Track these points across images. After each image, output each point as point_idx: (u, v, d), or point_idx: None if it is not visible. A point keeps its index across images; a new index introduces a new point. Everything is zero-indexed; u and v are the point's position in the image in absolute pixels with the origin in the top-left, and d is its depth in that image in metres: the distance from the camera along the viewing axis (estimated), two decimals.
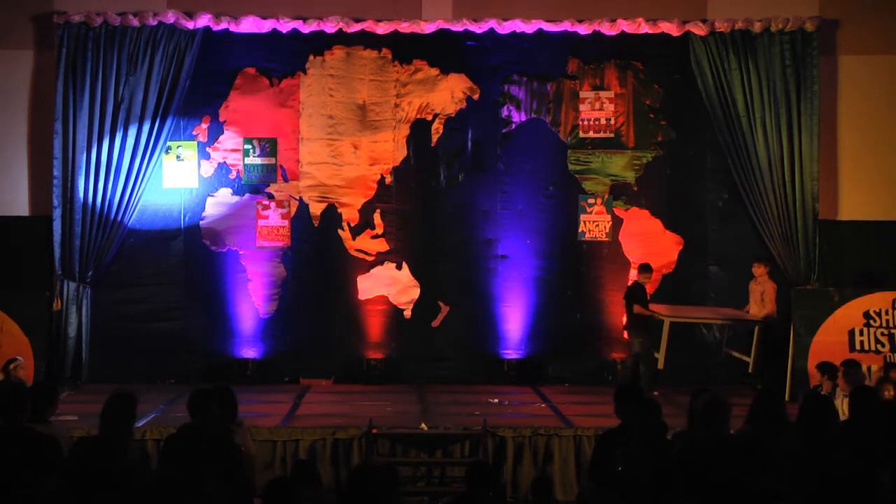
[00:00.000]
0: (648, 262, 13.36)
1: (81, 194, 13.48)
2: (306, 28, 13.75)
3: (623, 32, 13.81)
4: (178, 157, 14.05)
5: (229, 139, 14.13)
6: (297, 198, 14.21)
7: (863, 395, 7.13)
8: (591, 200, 14.29)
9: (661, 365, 12.99)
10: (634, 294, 12.98)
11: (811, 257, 13.68)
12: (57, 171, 13.45)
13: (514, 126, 14.27)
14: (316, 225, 14.24)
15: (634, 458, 6.27)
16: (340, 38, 13.97)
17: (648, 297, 13.10)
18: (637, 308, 12.82)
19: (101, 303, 13.76)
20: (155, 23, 13.48)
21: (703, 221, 14.31)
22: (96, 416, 6.74)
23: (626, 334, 13.45)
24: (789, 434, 6.61)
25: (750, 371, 12.98)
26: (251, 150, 14.15)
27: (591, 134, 14.28)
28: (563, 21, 13.79)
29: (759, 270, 13.25)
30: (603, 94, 14.25)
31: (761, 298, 13.18)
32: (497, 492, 6.44)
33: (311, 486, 6.42)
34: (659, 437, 6.76)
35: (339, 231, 14.26)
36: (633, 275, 14.23)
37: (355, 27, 13.76)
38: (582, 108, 14.25)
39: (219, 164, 14.14)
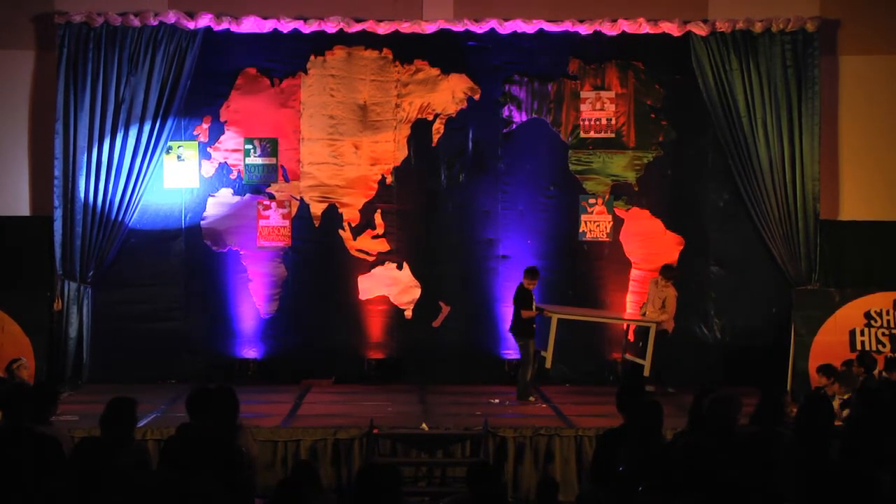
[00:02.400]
0: (536, 266, 13.02)
1: (82, 194, 13.49)
2: (307, 28, 13.75)
3: (624, 32, 13.81)
4: (178, 157, 14.05)
5: (230, 139, 14.13)
6: (298, 198, 14.21)
7: (868, 395, 7.14)
8: (591, 200, 14.29)
9: (548, 364, 12.89)
10: (520, 298, 12.65)
11: (812, 257, 13.67)
12: (58, 172, 13.45)
13: (514, 126, 14.27)
14: (317, 225, 14.24)
15: (635, 458, 6.26)
16: (341, 39, 13.97)
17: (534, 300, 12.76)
18: (525, 312, 12.53)
19: (102, 303, 13.76)
20: (156, 23, 13.48)
21: (703, 222, 14.30)
22: (97, 417, 6.73)
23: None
24: (789, 434, 6.61)
25: (646, 375, 12.74)
26: (252, 151, 14.15)
27: (592, 134, 14.28)
28: (563, 21, 13.78)
29: (663, 281, 13.15)
30: (604, 94, 14.25)
31: (662, 304, 13.05)
32: (498, 492, 6.42)
33: (313, 487, 6.41)
34: (658, 437, 6.76)
35: (340, 231, 14.26)
36: (633, 275, 14.27)
37: (356, 27, 13.76)
38: (583, 108, 14.24)
39: (220, 164, 14.14)
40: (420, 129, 14.24)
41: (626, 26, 13.76)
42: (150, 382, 13.22)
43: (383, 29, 13.79)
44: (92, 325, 13.61)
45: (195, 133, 14.07)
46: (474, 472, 6.43)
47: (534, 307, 12.66)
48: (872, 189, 14.05)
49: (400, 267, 14.29)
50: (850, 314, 12.92)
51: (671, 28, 13.72)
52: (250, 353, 14.11)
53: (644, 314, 13.30)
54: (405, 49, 14.09)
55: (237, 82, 14.10)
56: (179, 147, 14.04)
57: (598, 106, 14.24)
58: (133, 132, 13.53)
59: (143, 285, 13.98)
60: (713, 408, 6.65)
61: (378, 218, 14.25)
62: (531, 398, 12.53)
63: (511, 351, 14.20)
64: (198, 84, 13.75)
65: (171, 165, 14.03)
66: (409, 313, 14.28)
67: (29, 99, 13.83)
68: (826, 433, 6.36)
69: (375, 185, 14.25)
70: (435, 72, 14.22)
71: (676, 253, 14.26)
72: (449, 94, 14.22)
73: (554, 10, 13.85)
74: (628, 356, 13.48)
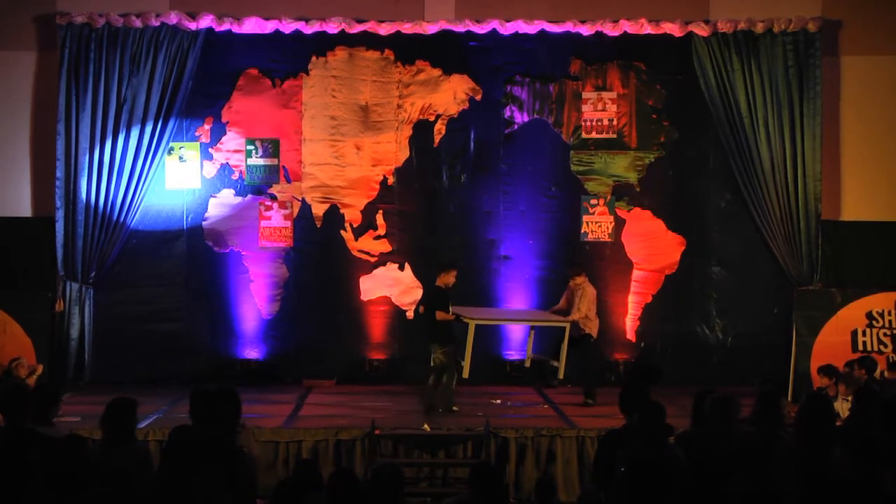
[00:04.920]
0: (450, 259, 12.42)
1: (84, 195, 13.50)
2: (309, 29, 13.75)
3: (625, 33, 13.81)
4: (180, 158, 14.05)
5: (232, 140, 14.13)
6: (300, 199, 14.21)
7: (867, 394, 7.14)
8: (593, 201, 14.28)
9: (465, 373, 12.06)
10: (436, 298, 11.78)
11: (814, 258, 13.67)
12: (59, 172, 13.47)
13: (516, 127, 14.27)
14: (318, 226, 14.24)
15: (636, 460, 6.26)
16: (343, 39, 13.97)
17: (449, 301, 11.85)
18: (440, 314, 11.60)
19: (104, 304, 13.76)
20: (157, 24, 13.49)
21: (705, 222, 14.29)
22: (98, 418, 6.73)
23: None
24: (789, 434, 6.61)
25: (560, 377, 12.41)
26: (254, 151, 14.16)
27: (594, 135, 14.28)
28: (565, 22, 13.79)
29: (579, 280, 12.46)
30: (605, 94, 14.24)
31: (580, 304, 12.47)
32: (500, 493, 6.42)
33: (315, 486, 6.41)
34: (659, 438, 6.75)
35: (342, 232, 14.26)
36: (635, 276, 14.26)
37: (358, 28, 13.77)
38: (584, 108, 14.24)
39: (221, 164, 14.14)
40: (422, 129, 14.24)
41: (627, 27, 13.76)
42: (152, 383, 13.20)
43: (385, 30, 13.80)
44: (93, 326, 13.61)
45: (197, 134, 14.08)
46: (476, 472, 6.42)
47: (450, 311, 11.73)
48: (874, 189, 14.06)
49: (402, 268, 14.29)
50: (851, 315, 12.90)
51: (673, 28, 13.72)
52: (252, 353, 14.11)
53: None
54: (407, 50, 14.09)
55: (239, 83, 14.10)
56: (181, 148, 14.04)
57: (599, 106, 14.24)
58: (135, 133, 13.54)
59: (144, 286, 13.98)
60: (712, 408, 6.66)
61: (380, 218, 14.25)
62: (455, 408, 11.80)
63: (513, 352, 14.21)
64: (199, 85, 13.76)
65: (173, 166, 14.04)
66: (410, 314, 14.27)
67: (30, 100, 13.84)
68: (826, 433, 6.35)
69: (377, 186, 14.26)
70: (436, 72, 14.22)
71: (678, 253, 14.26)
72: (450, 94, 14.22)
73: (555, 11, 13.86)
74: (548, 361, 12.74)
